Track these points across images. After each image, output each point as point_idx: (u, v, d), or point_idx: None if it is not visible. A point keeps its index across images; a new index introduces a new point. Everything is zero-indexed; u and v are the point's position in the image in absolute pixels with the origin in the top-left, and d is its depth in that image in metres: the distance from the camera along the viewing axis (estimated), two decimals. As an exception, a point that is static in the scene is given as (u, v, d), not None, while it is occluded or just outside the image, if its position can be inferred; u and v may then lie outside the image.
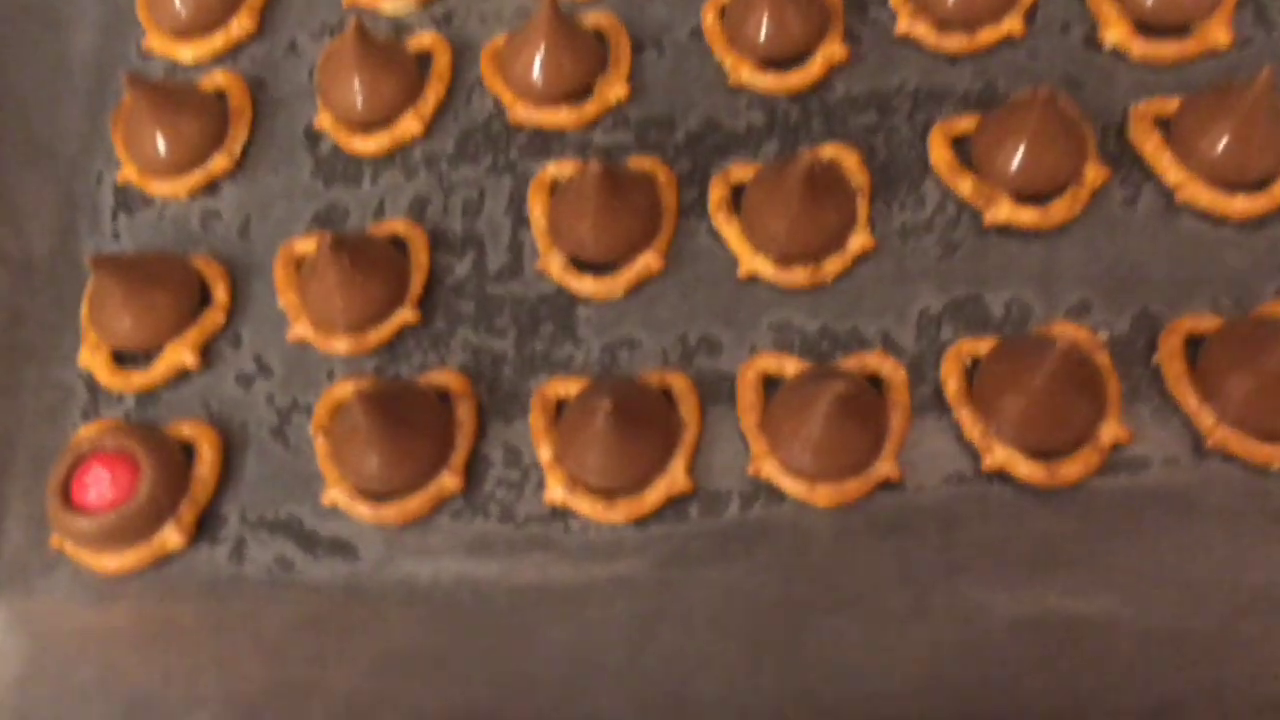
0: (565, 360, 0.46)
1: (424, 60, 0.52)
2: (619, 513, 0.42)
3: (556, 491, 0.43)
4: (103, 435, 0.43)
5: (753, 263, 0.46)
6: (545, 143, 0.50)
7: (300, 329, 0.47)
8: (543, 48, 0.48)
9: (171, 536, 0.43)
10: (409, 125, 0.50)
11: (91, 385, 0.48)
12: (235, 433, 0.46)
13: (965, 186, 0.45)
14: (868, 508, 0.41)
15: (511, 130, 0.50)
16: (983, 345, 0.42)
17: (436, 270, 0.48)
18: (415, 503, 0.43)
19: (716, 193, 0.47)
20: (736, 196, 0.47)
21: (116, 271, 0.45)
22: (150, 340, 0.46)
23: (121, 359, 0.48)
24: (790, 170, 0.44)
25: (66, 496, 0.42)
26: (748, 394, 0.43)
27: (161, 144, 0.49)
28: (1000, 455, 0.40)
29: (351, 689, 0.40)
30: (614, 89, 0.50)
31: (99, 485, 0.42)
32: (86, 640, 0.42)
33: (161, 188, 0.50)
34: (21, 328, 0.48)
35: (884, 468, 0.41)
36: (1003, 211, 0.44)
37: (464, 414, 0.44)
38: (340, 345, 0.46)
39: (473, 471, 0.44)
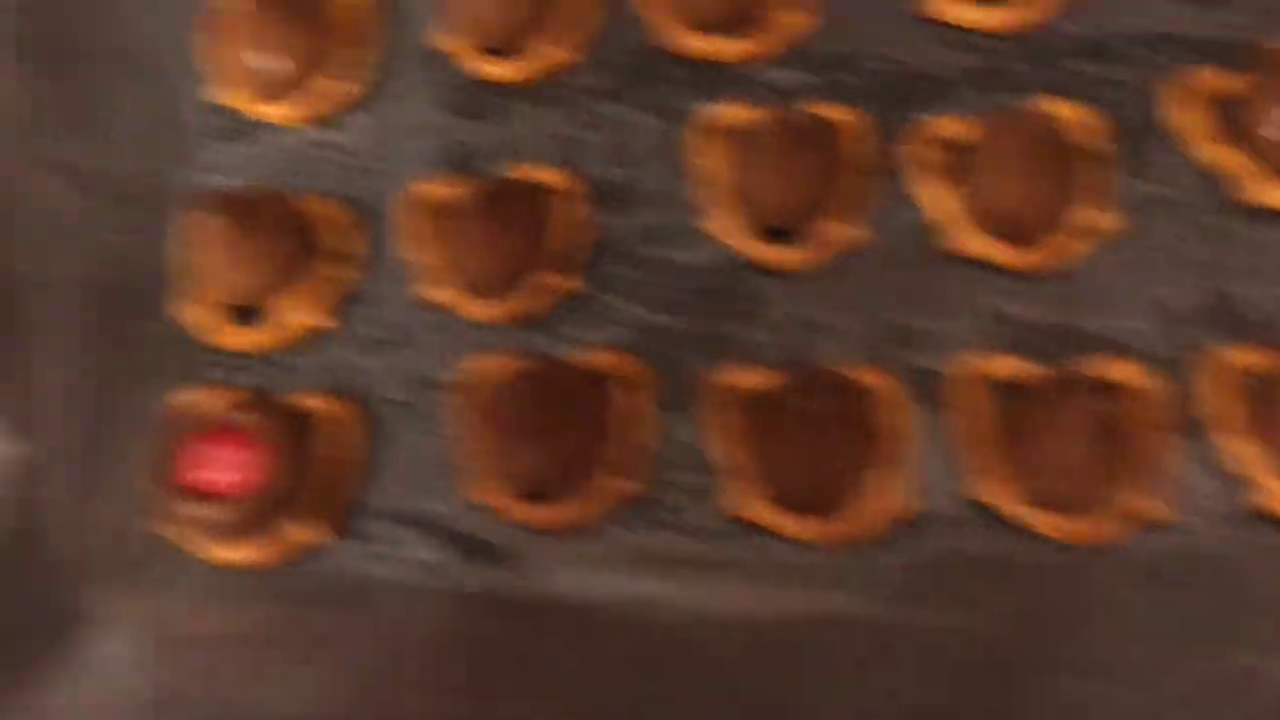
0: (748, 345, 0.40)
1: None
2: (818, 534, 0.37)
3: (744, 504, 0.37)
4: (218, 406, 0.37)
5: (963, 238, 0.39)
6: (708, 79, 0.43)
7: (437, 290, 0.40)
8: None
9: (302, 528, 0.38)
10: (551, 51, 0.43)
11: (197, 343, 0.42)
12: (364, 408, 0.40)
13: (1220, 157, 0.39)
14: (1116, 548, 0.35)
15: (670, 63, 0.43)
16: (1251, 356, 0.36)
17: (588, 228, 0.42)
18: (579, 506, 0.38)
19: (920, 150, 0.40)
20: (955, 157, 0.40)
21: (231, 211, 0.39)
22: (267, 294, 0.40)
23: (230, 314, 0.42)
24: (1017, 128, 0.38)
25: (185, 478, 0.37)
26: (965, 400, 0.38)
27: (273, 61, 0.42)
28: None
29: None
30: (793, 17, 0.42)
31: (221, 470, 0.36)
32: (203, 640, 0.37)
33: (269, 111, 0.44)
34: (111, 268, 0.42)
35: (1143, 503, 0.35)
36: (1272, 191, 0.38)
37: (636, 404, 0.38)
38: (485, 311, 0.40)
39: (642, 472, 0.39)
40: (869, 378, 0.38)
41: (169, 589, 0.38)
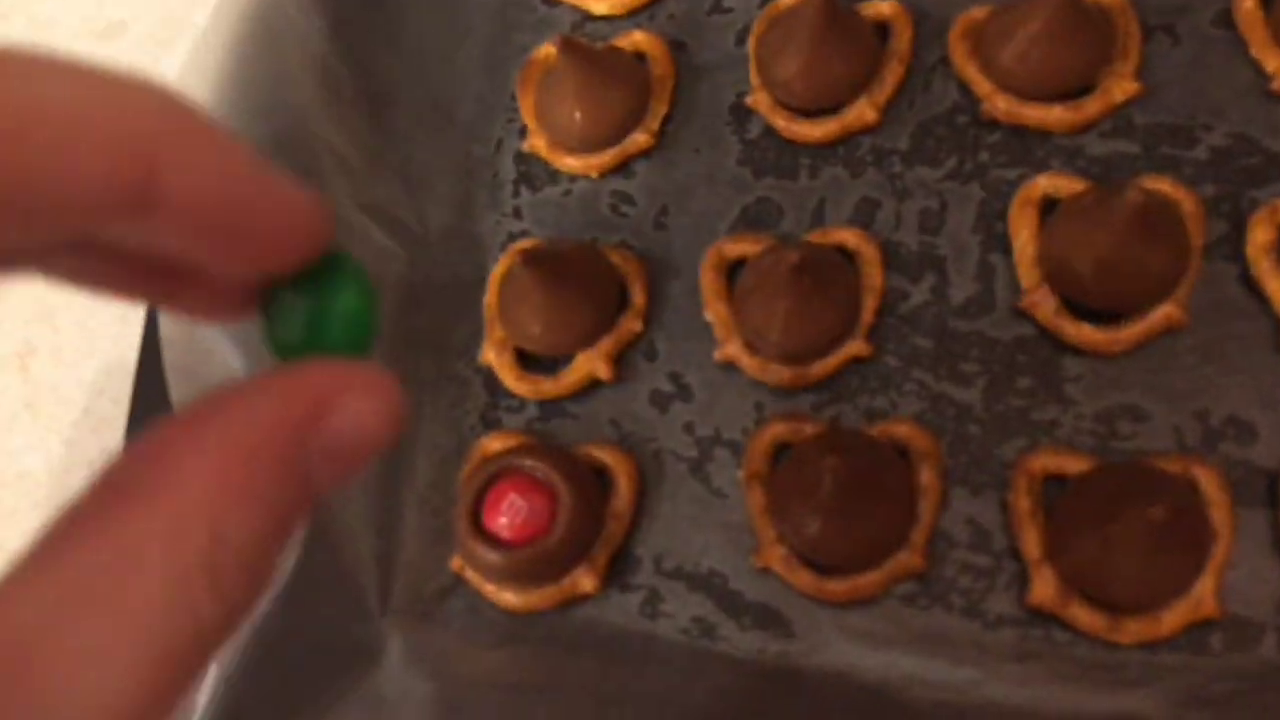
0: (1048, 425, 0.38)
1: (881, 31, 0.43)
2: (1126, 634, 0.34)
3: (1044, 594, 0.35)
4: (517, 455, 0.38)
5: (1308, 330, 0.36)
6: (1025, 146, 0.41)
7: (731, 349, 0.40)
8: (1040, 27, 0.39)
9: (585, 579, 0.38)
10: (862, 111, 0.42)
11: (493, 386, 0.43)
12: (648, 462, 0.40)
13: None
14: None
15: (983, 127, 0.41)
16: None
17: (888, 294, 0.40)
18: (868, 580, 0.36)
19: (1261, 233, 0.37)
20: (1287, 240, 0.37)
21: (539, 264, 0.40)
22: (564, 343, 0.41)
23: (526, 360, 0.43)
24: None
25: (477, 520, 0.38)
26: (1300, 503, 0.34)
27: (581, 113, 0.43)
28: None
29: None
30: (1121, 84, 0.40)
31: (514, 514, 0.37)
32: (484, 685, 0.37)
33: (572, 162, 0.45)
34: (417, 312, 0.44)
35: None
36: None
37: (928, 478, 0.37)
38: (778, 375, 0.39)
39: (932, 550, 0.37)
40: (1196, 470, 0.35)
41: (447, 624, 0.39)
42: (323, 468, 0.16)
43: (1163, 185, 0.39)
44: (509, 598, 0.39)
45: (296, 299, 0.18)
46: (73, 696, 0.13)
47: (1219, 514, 0.35)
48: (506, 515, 0.37)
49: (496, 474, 0.38)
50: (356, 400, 0.16)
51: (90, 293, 0.18)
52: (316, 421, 0.16)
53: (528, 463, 0.38)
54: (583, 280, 0.41)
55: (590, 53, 0.43)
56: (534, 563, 0.37)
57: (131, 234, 0.16)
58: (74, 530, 0.14)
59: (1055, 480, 0.37)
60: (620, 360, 0.42)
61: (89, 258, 0.17)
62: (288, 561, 0.38)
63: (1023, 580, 0.36)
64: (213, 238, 0.16)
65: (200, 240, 0.16)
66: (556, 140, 0.45)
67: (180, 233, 0.16)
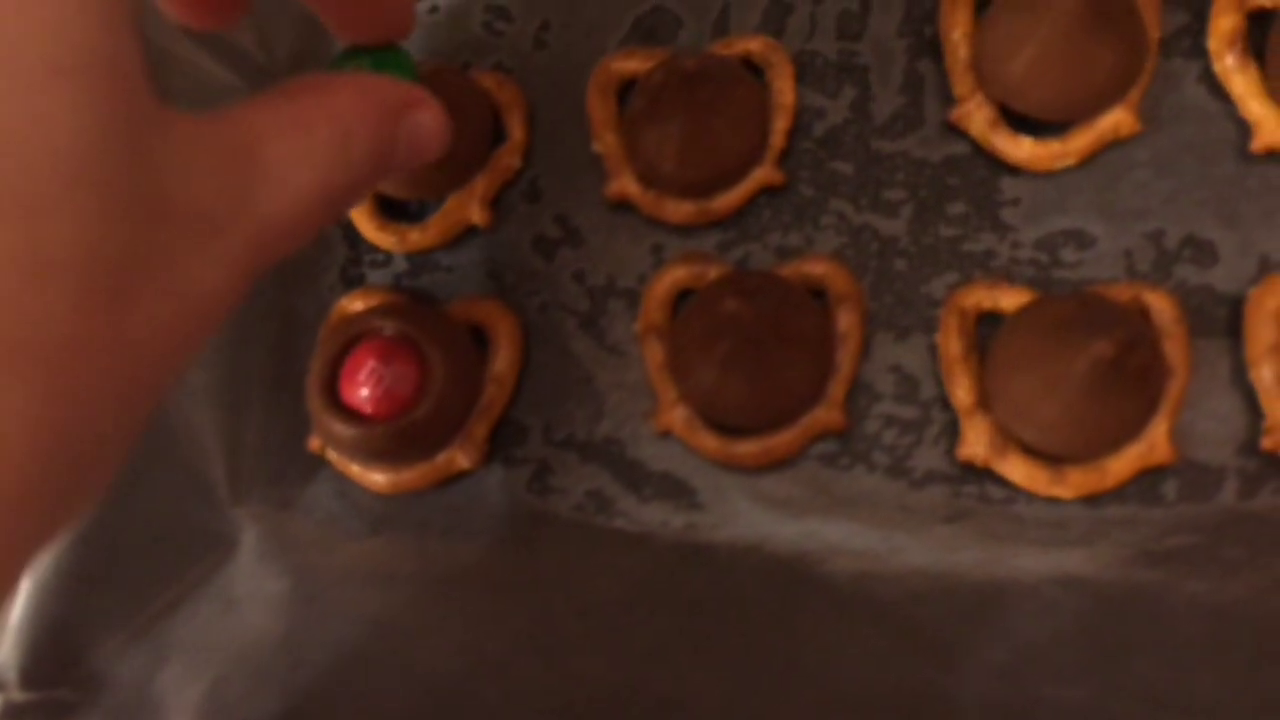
0: (982, 255, 0.33)
1: None
2: (1069, 486, 0.30)
3: (977, 447, 0.31)
4: (378, 316, 0.33)
5: (1278, 133, 0.31)
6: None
7: (622, 183, 0.35)
8: None
9: (461, 454, 0.33)
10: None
11: (354, 238, 0.37)
12: (533, 317, 0.35)
13: None
14: None
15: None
16: None
17: (801, 113, 0.35)
18: (781, 440, 0.32)
19: (1225, 21, 0.32)
20: (1256, 29, 0.32)
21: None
22: (430, 185, 0.35)
23: (390, 209, 0.37)
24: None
25: (334, 393, 0.33)
26: (1265, 331, 0.30)
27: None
28: None
29: (697, 693, 0.31)
30: None
31: (375, 384, 0.32)
32: (349, 579, 0.33)
33: (433, -26, 0.38)
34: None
35: None
36: None
37: (847, 323, 0.32)
38: (676, 211, 0.34)
39: (853, 404, 0.33)
40: (1148, 298, 0.30)
41: (310, 511, 0.34)
42: (404, 144, 0.25)
43: (1116, -30, 0.33)
44: (376, 478, 0.34)
45: (365, 56, 0.28)
46: (285, 176, 0.22)
47: (1174, 347, 0.30)
48: (366, 385, 0.32)
49: (354, 338, 0.33)
50: (426, 110, 0.26)
51: None
52: (409, 110, 0.25)
53: (389, 324, 0.33)
54: (451, 111, 0.34)
55: None
56: (401, 438, 0.32)
57: None
58: (268, 97, 0.23)
59: (990, 319, 0.32)
60: (498, 202, 0.36)
61: None
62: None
63: (953, 432, 0.32)
64: None
65: None
66: (416, -52, 0.38)
67: None
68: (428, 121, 0.26)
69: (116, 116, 0.18)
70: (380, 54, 0.28)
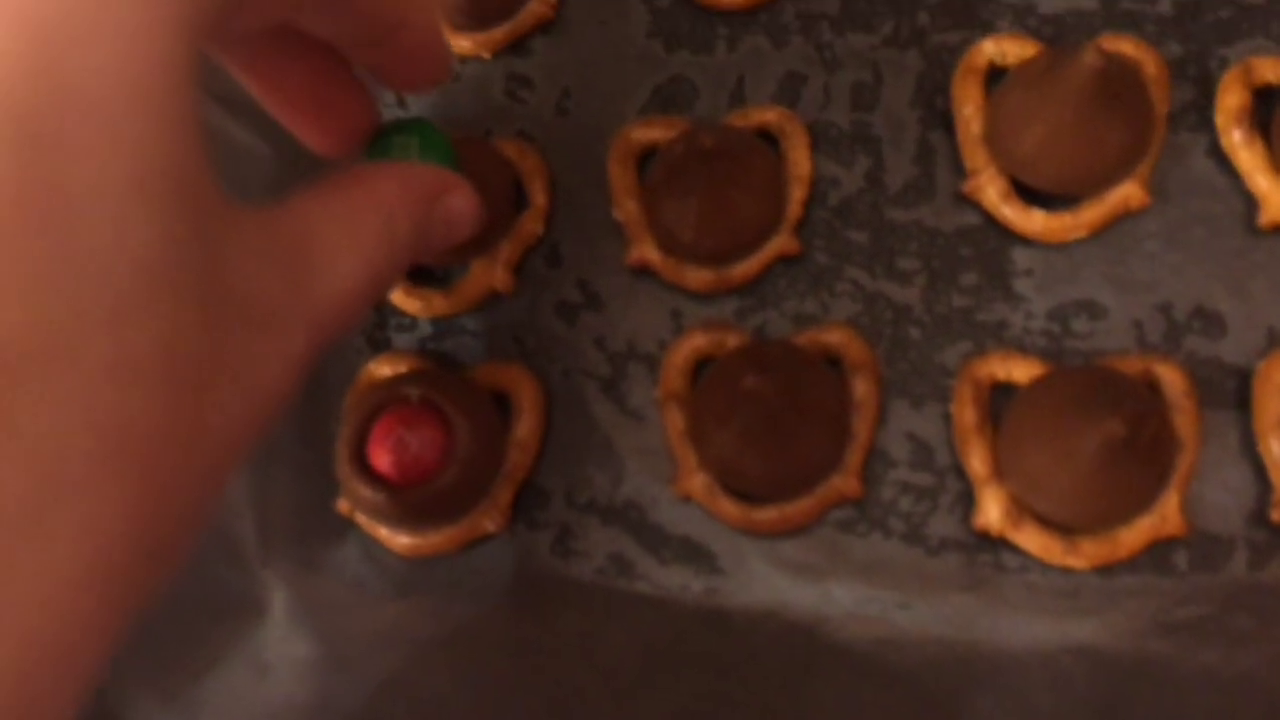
0: (995, 325, 0.34)
1: (804, -123, 0.38)
2: (1082, 557, 0.31)
3: (992, 516, 0.32)
4: (404, 384, 0.34)
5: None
6: (968, 4, 0.36)
7: (643, 250, 0.36)
8: None
9: (487, 518, 0.34)
10: (784, -29, 0.36)
11: (379, 303, 0.38)
12: (555, 381, 0.36)
13: None
14: None
15: (919, -15, 0.36)
16: None
17: (817, 182, 0.36)
18: (799, 507, 0.33)
19: (1232, 97, 0.33)
20: (1262, 105, 0.33)
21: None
22: (455, 253, 0.36)
23: (416, 273, 0.38)
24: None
25: (361, 458, 0.34)
26: (1274, 404, 0.31)
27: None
28: None
29: None
30: (1072, -71, 0.35)
31: (401, 451, 0.33)
32: (377, 643, 0.34)
33: (461, 42, 0.39)
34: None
35: None
36: None
37: (863, 391, 0.33)
38: (696, 279, 0.35)
39: (869, 471, 0.33)
40: (1159, 370, 0.31)
41: (339, 572, 0.35)
42: (440, 225, 0.28)
43: (1123, 46, 0.34)
44: (403, 541, 0.35)
45: (405, 136, 0.30)
46: (337, 265, 0.23)
47: (1184, 420, 0.31)
48: (393, 452, 0.33)
49: (380, 404, 0.34)
50: (459, 194, 0.28)
51: (259, 94, 0.27)
52: (443, 194, 0.28)
53: (415, 391, 0.34)
54: (474, 179, 0.35)
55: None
56: (427, 503, 0.33)
57: (321, 24, 0.25)
58: (319, 190, 0.24)
59: (1004, 388, 0.33)
60: (520, 268, 0.37)
61: (278, 55, 0.27)
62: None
63: (968, 500, 0.32)
64: (379, 40, 0.26)
65: (372, 41, 0.26)
66: (442, 14, 0.39)
67: (358, 26, 0.25)
68: (461, 205, 0.28)
69: (191, 224, 0.19)
70: (419, 134, 0.30)
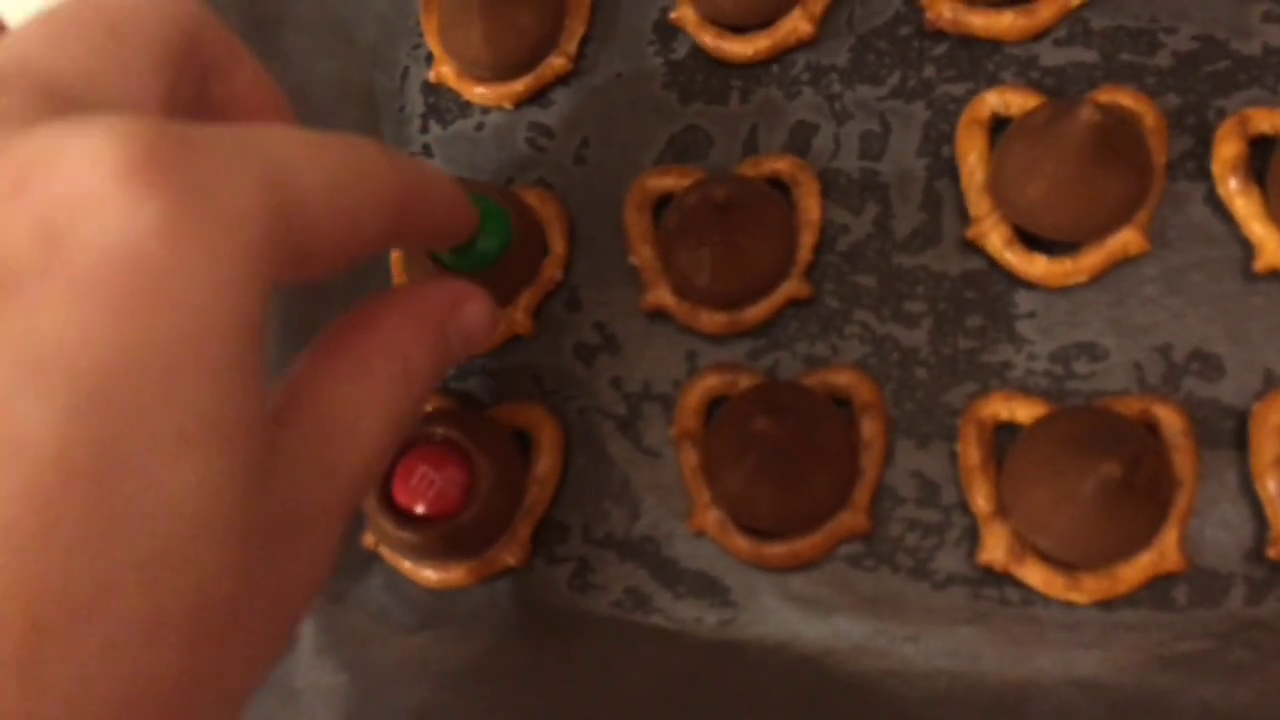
0: (999, 366, 0.35)
1: (813, -63, 0.39)
2: (1083, 592, 0.32)
3: (996, 552, 0.33)
4: (427, 422, 0.35)
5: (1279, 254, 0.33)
6: (973, 58, 0.37)
7: (658, 294, 0.37)
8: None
9: (507, 552, 0.35)
10: (796, 24, 0.38)
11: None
12: (573, 420, 0.37)
13: None
14: None
15: (928, 39, 0.38)
16: None
17: (827, 228, 0.37)
18: (808, 543, 0.34)
19: (1228, 147, 0.34)
20: (1257, 154, 0.34)
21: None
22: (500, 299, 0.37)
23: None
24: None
25: (387, 494, 0.35)
26: (1271, 445, 0.32)
27: (488, 36, 0.39)
28: None
29: None
30: (1074, -14, 0.36)
31: (426, 488, 0.34)
32: (402, 675, 0.35)
33: (484, 92, 0.41)
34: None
35: None
36: None
37: (871, 431, 0.34)
38: (709, 323, 0.36)
39: (877, 507, 0.34)
40: (1158, 411, 0.32)
41: (364, 604, 0.37)
42: (456, 343, 0.26)
43: (1122, 97, 0.35)
44: (427, 575, 0.36)
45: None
46: (359, 428, 0.23)
47: (1182, 459, 0.32)
48: (418, 489, 0.35)
49: (406, 443, 0.35)
50: (473, 303, 0.27)
51: None
52: (455, 310, 0.26)
53: (439, 431, 0.35)
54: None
55: (496, -34, 0.39)
56: (451, 539, 0.34)
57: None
58: (323, 348, 0.24)
59: (1008, 428, 0.34)
60: (540, 311, 0.38)
61: None
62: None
63: (974, 536, 0.33)
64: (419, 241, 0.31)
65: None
66: (465, 68, 0.41)
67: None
68: (476, 315, 0.27)
69: (233, 468, 0.18)
70: (479, 204, 0.32)
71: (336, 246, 0.21)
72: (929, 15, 0.37)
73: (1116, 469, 0.29)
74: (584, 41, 0.41)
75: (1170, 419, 0.33)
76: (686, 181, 0.37)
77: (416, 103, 0.42)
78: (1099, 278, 0.35)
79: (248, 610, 0.19)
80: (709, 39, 0.39)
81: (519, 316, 0.38)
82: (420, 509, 0.35)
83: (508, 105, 0.41)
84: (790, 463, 0.33)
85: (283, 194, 0.20)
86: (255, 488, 0.19)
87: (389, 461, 0.25)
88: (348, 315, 0.24)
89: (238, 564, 0.19)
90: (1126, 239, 0.34)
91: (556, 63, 0.40)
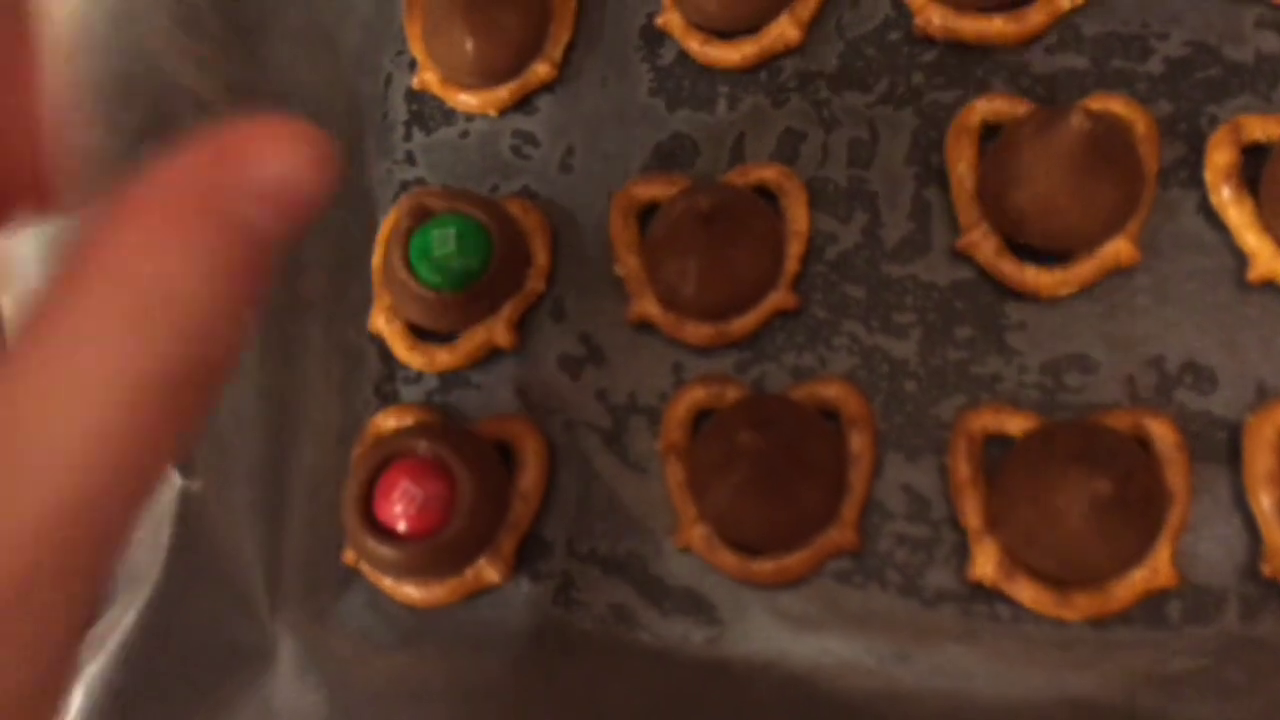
0: (989, 379, 0.34)
1: (801, -58, 0.39)
2: (1075, 609, 0.31)
3: (987, 569, 0.32)
4: (410, 437, 0.34)
5: (1273, 263, 0.33)
6: (963, 64, 0.37)
7: (644, 305, 0.36)
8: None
9: (490, 569, 0.35)
10: (783, 30, 0.37)
11: (388, 356, 0.39)
12: (558, 433, 0.37)
13: None
14: None
15: (917, 45, 0.37)
16: None
17: (814, 238, 0.36)
18: (796, 560, 0.33)
19: (1221, 155, 0.34)
20: (1250, 162, 0.34)
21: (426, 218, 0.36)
22: (463, 318, 0.37)
23: (420, 330, 0.39)
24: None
25: (368, 510, 0.34)
26: (1264, 458, 0.31)
27: (472, 42, 0.39)
28: None
29: None
30: (1065, -9, 0.36)
31: (408, 504, 0.34)
32: (381, 694, 0.34)
33: (468, 99, 0.40)
34: (301, 274, 0.39)
35: None
36: None
37: (859, 445, 0.34)
38: (696, 334, 0.36)
39: (864, 521, 0.34)
40: (1150, 425, 0.32)
41: (344, 623, 0.36)
42: (261, 213, 0.16)
43: (1113, 105, 0.35)
44: (409, 592, 0.35)
45: (443, 229, 0.35)
46: (64, 424, 0.15)
47: (1174, 474, 0.32)
48: (400, 505, 0.34)
49: (387, 458, 0.35)
50: (274, 146, 0.16)
51: None
52: (234, 169, 0.16)
53: (422, 445, 0.34)
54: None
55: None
56: (433, 555, 0.34)
57: None
58: (38, 316, 0.16)
59: (998, 440, 0.33)
60: (524, 321, 0.38)
61: None
62: (159, 558, 0.35)
63: (963, 551, 0.33)
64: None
65: None
66: (449, 75, 0.40)
67: None
68: (282, 159, 0.16)
69: None
70: (457, 225, 0.34)
71: None
72: (918, 21, 0.36)
73: (1108, 485, 0.29)
74: (569, 48, 0.40)
75: (1162, 432, 0.32)
76: (673, 190, 0.37)
77: (400, 110, 0.42)
78: (1090, 288, 0.34)
79: None
80: (695, 44, 0.38)
81: (500, 330, 0.37)
82: (402, 525, 0.34)
83: (492, 112, 0.40)
84: (777, 477, 0.32)
85: None
86: None
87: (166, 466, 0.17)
88: (84, 229, 0.16)
89: None
90: (1118, 249, 0.34)
91: (541, 69, 0.40)
